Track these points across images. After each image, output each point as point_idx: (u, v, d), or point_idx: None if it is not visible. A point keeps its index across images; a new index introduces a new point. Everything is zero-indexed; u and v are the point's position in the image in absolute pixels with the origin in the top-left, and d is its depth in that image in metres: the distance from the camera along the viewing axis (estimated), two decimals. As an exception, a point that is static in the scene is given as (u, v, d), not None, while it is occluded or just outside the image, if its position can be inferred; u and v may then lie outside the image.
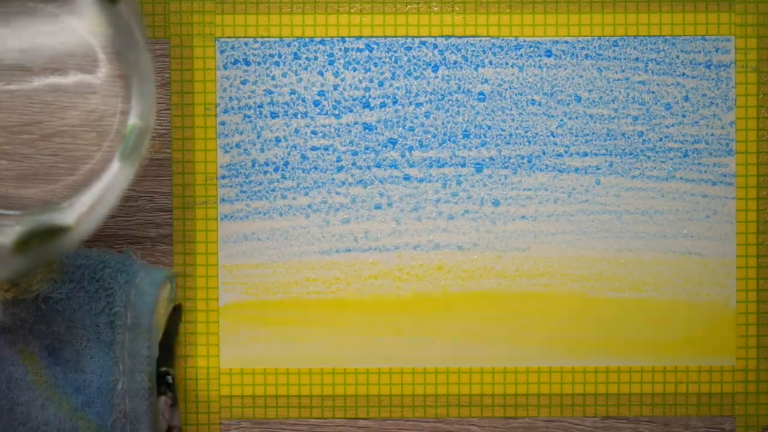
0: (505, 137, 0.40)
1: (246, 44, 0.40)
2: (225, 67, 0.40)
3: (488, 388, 0.40)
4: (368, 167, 0.40)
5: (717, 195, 0.40)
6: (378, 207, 0.40)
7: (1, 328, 0.38)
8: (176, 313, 0.39)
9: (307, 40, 0.40)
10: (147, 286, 0.38)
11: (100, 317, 0.38)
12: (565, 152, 0.40)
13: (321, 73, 0.40)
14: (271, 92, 0.40)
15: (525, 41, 0.40)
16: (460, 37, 0.40)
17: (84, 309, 0.38)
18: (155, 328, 0.38)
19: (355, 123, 0.40)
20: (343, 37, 0.40)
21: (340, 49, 0.40)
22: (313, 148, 0.40)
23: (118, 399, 0.38)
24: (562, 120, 0.40)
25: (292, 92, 0.40)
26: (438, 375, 0.40)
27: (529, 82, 0.40)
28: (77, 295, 0.38)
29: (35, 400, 0.38)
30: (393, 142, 0.40)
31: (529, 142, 0.40)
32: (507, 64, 0.40)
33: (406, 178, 0.40)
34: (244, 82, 0.40)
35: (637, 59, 0.40)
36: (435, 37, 0.40)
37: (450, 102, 0.40)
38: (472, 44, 0.40)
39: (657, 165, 0.40)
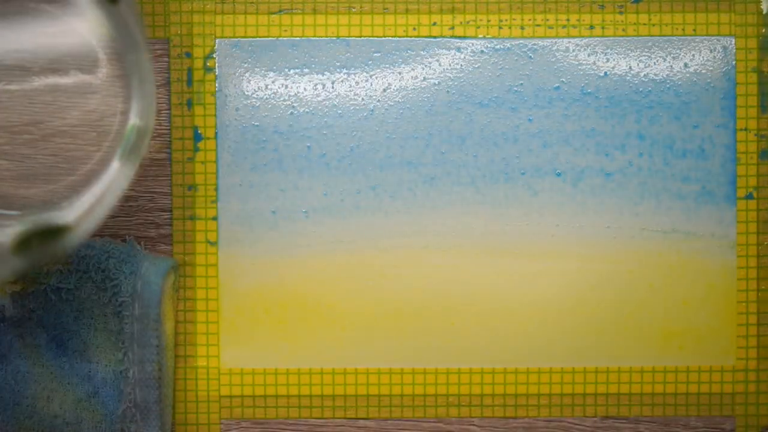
0: (508, 138, 0.40)
1: (246, 44, 0.40)
2: (225, 67, 0.40)
3: (488, 388, 0.40)
4: (369, 167, 0.40)
5: (717, 195, 0.40)
6: (379, 207, 0.40)
7: (11, 321, 0.38)
8: None
9: (307, 40, 0.40)
10: (153, 276, 0.38)
11: (108, 307, 0.38)
12: (565, 152, 0.40)
13: (321, 73, 0.40)
14: (271, 92, 0.40)
15: (525, 41, 0.40)
16: (460, 37, 0.40)
17: (92, 299, 0.38)
18: (162, 318, 0.38)
19: (356, 123, 0.40)
20: (343, 37, 0.40)
21: (340, 49, 0.40)
22: (314, 148, 0.40)
23: (128, 389, 0.38)
24: (562, 120, 0.40)
25: (293, 92, 0.40)
26: (438, 375, 0.40)
27: (529, 82, 0.40)
28: (85, 285, 0.38)
29: (41, 393, 0.38)
30: (394, 143, 0.40)
31: (532, 142, 0.40)
32: (508, 64, 0.40)
33: (406, 178, 0.40)
34: (244, 82, 0.40)
35: (637, 59, 0.40)
36: (435, 37, 0.40)
37: (451, 102, 0.40)
38: (473, 44, 0.40)
39: (657, 165, 0.40)
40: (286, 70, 0.40)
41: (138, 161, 0.31)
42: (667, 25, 0.40)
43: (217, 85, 0.40)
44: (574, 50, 0.40)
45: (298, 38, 0.40)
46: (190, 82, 0.40)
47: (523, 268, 0.40)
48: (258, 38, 0.40)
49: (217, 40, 0.40)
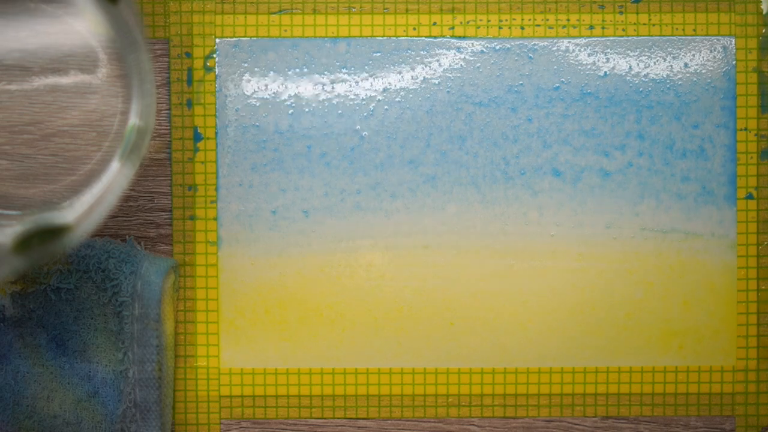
0: (508, 138, 0.40)
1: (246, 44, 0.40)
2: (225, 67, 0.40)
3: (488, 388, 0.40)
4: (368, 167, 0.40)
5: (717, 195, 0.40)
6: (379, 207, 0.40)
7: (11, 321, 0.38)
8: None
9: (307, 40, 0.40)
10: (153, 276, 0.38)
11: (108, 307, 0.38)
12: (564, 152, 0.40)
13: (321, 73, 0.40)
14: (271, 92, 0.40)
15: (525, 41, 0.40)
16: (460, 37, 0.40)
17: (92, 299, 0.38)
18: (162, 318, 0.38)
19: (356, 122, 0.40)
20: (343, 37, 0.40)
21: (340, 49, 0.40)
22: (314, 148, 0.40)
23: (128, 389, 0.38)
24: (561, 119, 0.40)
25: (293, 92, 0.40)
26: (438, 375, 0.40)
27: (529, 82, 0.40)
28: (85, 285, 0.38)
29: (41, 393, 0.38)
30: (394, 143, 0.40)
31: (532, 142, 0.40)
32: (508, 64, 0.40)
33: (407, 178, 0.40)
34: (244, 82, 0.40)
35: (637, 59, 0.40)
36: (435, 37, 0.40)
37: (451, 102, 0.40)
38: (473, 44, 0.40)
39: (656, 165, 0.40)
40: (286, 70, 0.40)
41: (138, 161, 0.31)
42: (667, 25, 0.40)
43: (217, 85, 0.40)
44: (574, 50, 0.40)
45: (298, 38, 0.40)
46: (190, 82, 0.40)
47: (523, 268, 0.40)
48: (258, 38, 0.40)
49: (217, 40, 0.40)
